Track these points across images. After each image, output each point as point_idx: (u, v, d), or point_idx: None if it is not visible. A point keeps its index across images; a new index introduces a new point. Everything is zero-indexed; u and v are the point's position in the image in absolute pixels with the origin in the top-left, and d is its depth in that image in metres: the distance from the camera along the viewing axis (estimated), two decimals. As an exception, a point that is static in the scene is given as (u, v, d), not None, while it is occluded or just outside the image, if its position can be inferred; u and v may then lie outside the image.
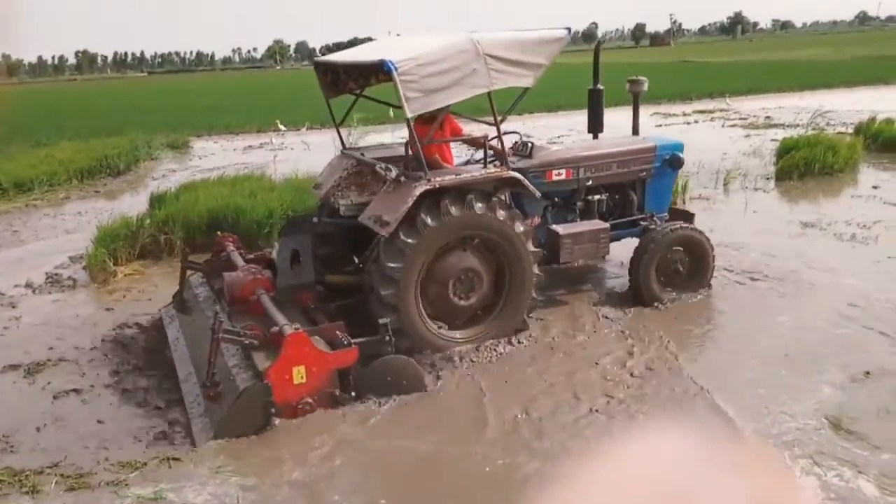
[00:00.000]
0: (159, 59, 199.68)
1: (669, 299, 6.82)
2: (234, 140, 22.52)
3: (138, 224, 9.07)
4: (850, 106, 21.77)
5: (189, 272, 6.98)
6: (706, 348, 6.00)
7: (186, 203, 9.75)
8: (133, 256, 8.88)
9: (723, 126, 19.79)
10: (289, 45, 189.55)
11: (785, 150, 12.91)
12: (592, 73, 7.90)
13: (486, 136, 6.23)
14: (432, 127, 6.08)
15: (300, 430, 4.78)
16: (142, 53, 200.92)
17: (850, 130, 16.10)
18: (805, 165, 12.08)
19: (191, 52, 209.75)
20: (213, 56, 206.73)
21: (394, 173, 5.83)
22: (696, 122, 21.20)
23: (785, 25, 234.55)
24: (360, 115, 13.88)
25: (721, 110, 23.40)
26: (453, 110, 6.51)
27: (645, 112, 24.35)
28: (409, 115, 5.47)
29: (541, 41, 6.04)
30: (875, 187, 11.31)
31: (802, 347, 5.75)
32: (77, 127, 23.20)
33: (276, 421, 4.73)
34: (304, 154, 17.70)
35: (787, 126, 18.69)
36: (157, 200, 10.58)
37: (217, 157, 18.87)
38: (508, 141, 6.48)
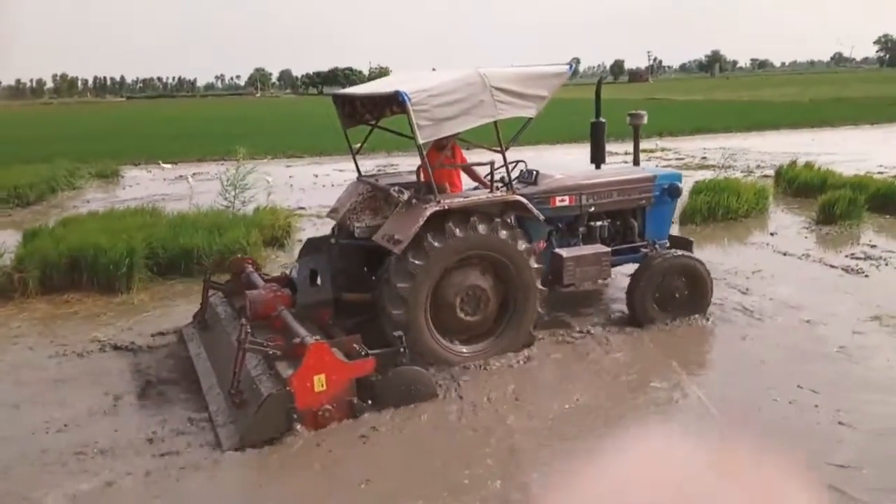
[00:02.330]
0: (140, 84, 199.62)
1: (665, 323, 7.11)
2: (173, 169, 22.18)
3: (-11, 262, 8.68)
4: (787, 148, 21.84)
5: (210, 292, 7.24)
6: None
7: (53, 239, 9.41)
8: (-18, 296, 8.49)
9: (656, 166, 19.72)
10: (270, 74, 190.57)
11: (697, 193, 12.74)
12: (595, 106, 8.37)
13: (492, 163, 6.55)
14: (442, 154, 6.61)
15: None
16: (122, 78, 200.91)
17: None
18: (708, 210, 11.94)
19: (173, 78, 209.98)
20: (194, 82, 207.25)
21: (406, 196, 6.25)
22: (634, 161, 21.14)
23: (763, 65, 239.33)
24: (249, 149, 13.67)
25: (662, 149, 23.43)
26: (463, 137, 6.89)
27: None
28: (421, 141, 5.90)
29: (543, 75, 6.53)
30: (773, 234, 11.18)
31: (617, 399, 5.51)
32: (16, 153, 22.80)
33: (299, 426, 5.01)
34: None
35: (720, 168, 18.66)
36: (31, 235, 10.21)
37: (142, 187, 18.54)
38: (515, 169, 7.08)
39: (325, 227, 12.78)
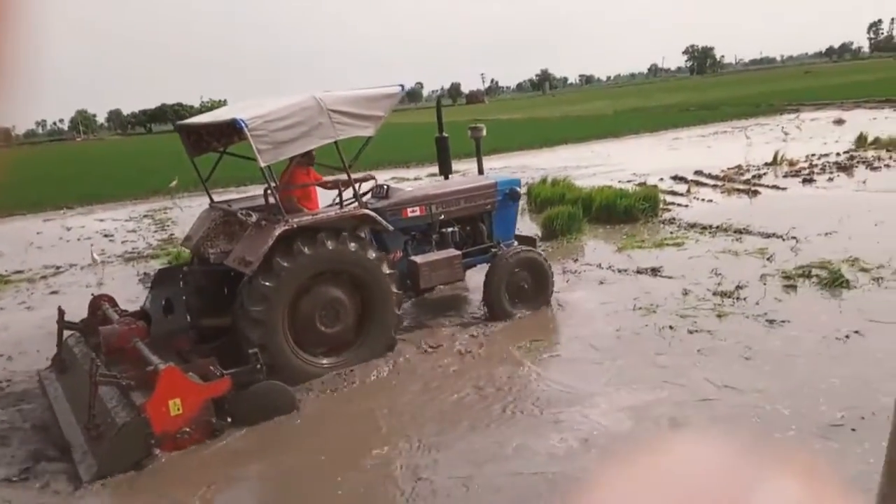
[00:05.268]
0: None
1: (518, 314, 7.91)
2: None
3: None
4: (565, 162, 22.79)
5: (66, 333, 7.24)
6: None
7: None
8: None
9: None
10: (94, 115, 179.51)
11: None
12: (437, 123, 9.35)
13: (338, 180, 6.97)
14: (285, 173, 7.18)
15: None
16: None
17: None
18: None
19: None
20: (11, 129, 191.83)
21: (254, 218, 6.58)
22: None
23: (590, 80, 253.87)
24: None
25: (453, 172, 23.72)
26: (318, 161, 7.64)
27: (383, 176, 24.68)
28: (262, 164, 6.26)
29: (377, 97, 6.99)
30: (495, 255, 11.30)
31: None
32: None
33: (157, 451, 5.21)
34: None
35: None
36: None
37: None
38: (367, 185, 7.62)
39: (21, 295, 11.62)
